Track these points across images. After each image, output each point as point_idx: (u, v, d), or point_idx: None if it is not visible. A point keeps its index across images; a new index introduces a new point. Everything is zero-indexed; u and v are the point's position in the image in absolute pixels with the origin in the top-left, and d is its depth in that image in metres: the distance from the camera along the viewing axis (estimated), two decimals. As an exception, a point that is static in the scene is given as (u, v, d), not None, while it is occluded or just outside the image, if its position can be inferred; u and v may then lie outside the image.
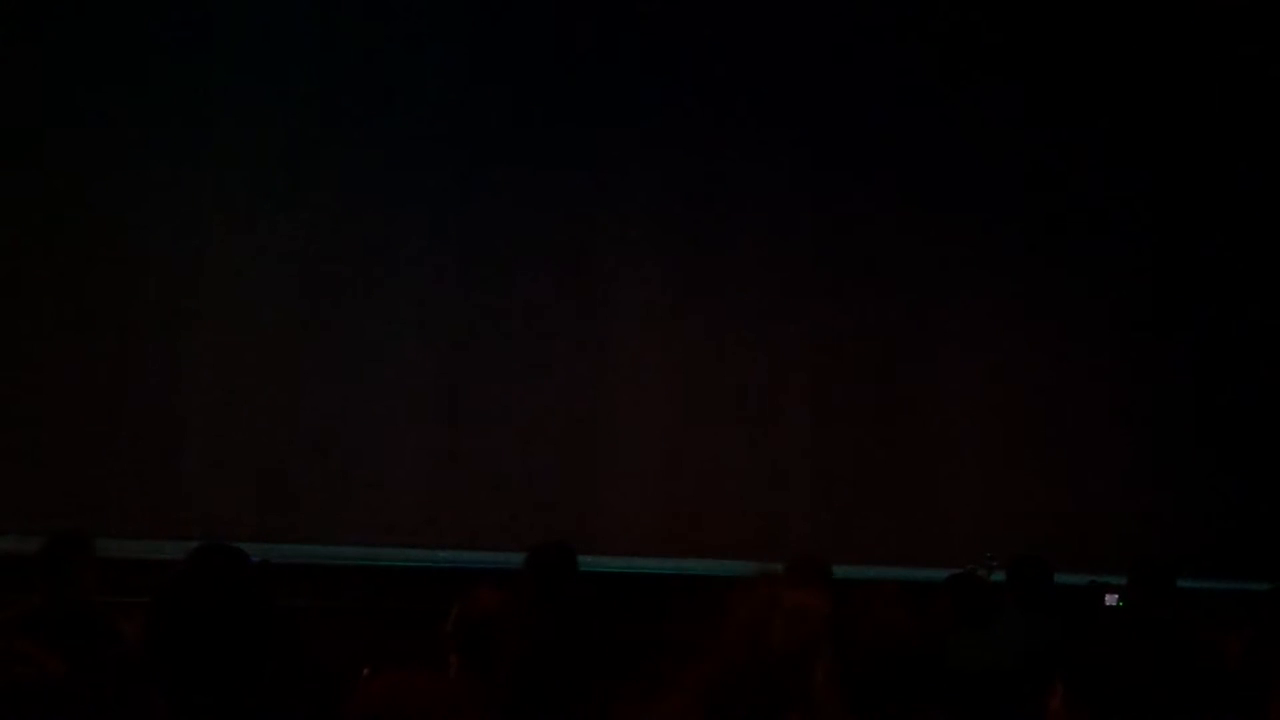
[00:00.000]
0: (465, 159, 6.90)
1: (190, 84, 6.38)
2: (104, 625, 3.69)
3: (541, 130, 7.03)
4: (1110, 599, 5.52)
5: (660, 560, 6.62)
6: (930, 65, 7.82)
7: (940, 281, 7.97)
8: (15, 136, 6.12)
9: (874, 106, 7.74)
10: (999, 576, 4.89)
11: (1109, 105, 8.21)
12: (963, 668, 3.66)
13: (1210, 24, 7.95)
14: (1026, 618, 4.50)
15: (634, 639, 3.85)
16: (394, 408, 6.67)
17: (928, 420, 7.79)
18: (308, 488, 6.37)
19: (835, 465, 7.49)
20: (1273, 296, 8.58)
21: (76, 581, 3.91)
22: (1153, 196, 8.40)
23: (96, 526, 4.50)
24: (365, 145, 6.73)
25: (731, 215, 7.40)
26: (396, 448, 6.63)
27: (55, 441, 5.97)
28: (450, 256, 6.87)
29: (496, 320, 6.86)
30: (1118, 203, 8.34)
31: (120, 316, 6.19)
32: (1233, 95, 8.30)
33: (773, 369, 7.45)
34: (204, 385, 6.29)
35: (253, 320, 6.40)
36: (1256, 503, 8.18)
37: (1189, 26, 8.02)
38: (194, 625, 2.43)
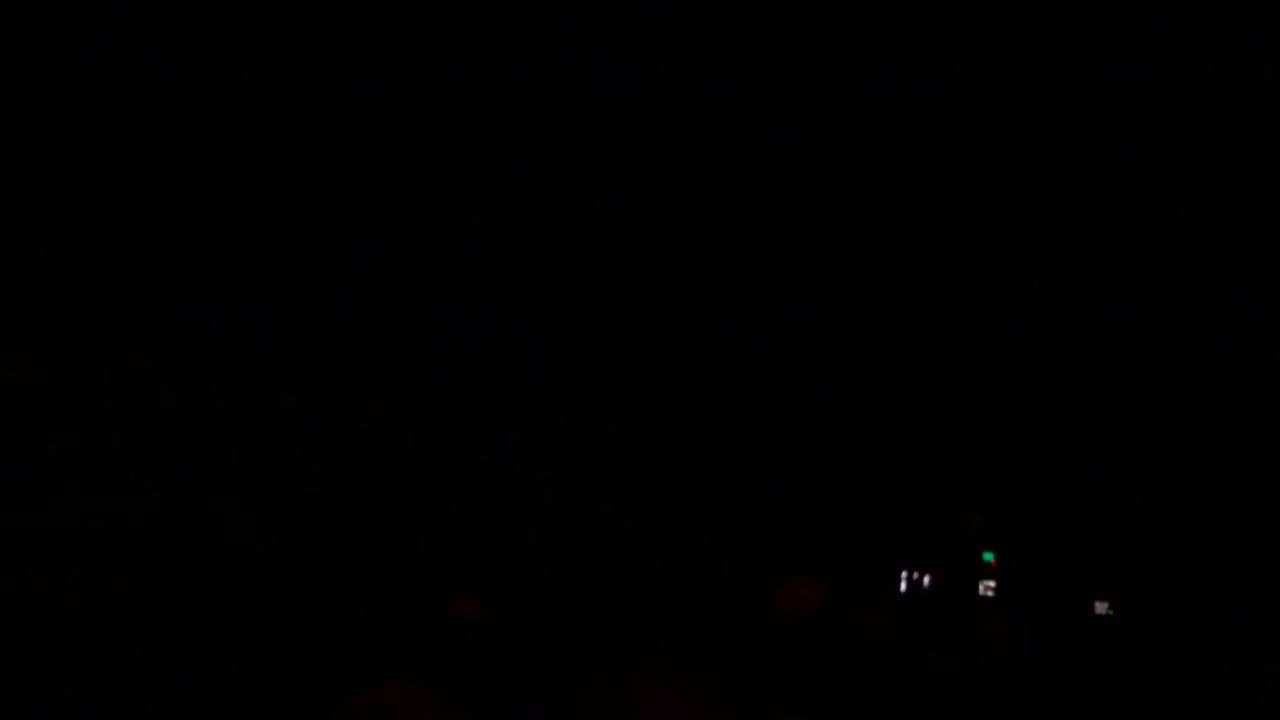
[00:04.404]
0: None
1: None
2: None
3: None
4: (1100, 607, 5.53)
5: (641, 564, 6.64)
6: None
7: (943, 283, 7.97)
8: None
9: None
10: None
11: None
12: (945, 676, 3.66)
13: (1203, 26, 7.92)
14: (1011, 627, 4.50)
15: (617, 637, 3.87)
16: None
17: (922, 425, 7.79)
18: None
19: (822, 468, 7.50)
20: (1270, 299, 8.56)
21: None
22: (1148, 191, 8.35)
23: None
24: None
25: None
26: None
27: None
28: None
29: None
30: (1118, 198, 8.30)
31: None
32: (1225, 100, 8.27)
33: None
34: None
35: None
36: (1247, 511, 8.16)
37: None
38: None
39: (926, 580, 5.38)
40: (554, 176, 6.99)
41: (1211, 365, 8.39)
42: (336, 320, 6.73)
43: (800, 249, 7.61)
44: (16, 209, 6.10)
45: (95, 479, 5.87)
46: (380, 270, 6.83)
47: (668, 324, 7.40)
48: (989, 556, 5.38)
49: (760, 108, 7.50)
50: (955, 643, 4.27)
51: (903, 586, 5.64)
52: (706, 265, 7.42)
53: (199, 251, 6.47)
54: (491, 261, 7.03)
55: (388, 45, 6.31)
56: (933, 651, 3.90)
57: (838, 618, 3.57)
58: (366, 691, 3.22)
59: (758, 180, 7.47)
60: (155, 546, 4.93)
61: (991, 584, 5.02)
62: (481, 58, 6.96)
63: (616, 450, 7.18)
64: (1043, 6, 7.36)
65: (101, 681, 3.52)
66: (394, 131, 6.71)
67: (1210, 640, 4.50)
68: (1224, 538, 8.01)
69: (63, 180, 6.15)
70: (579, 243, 7.17)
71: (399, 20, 6.28)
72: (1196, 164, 8.29)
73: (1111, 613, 5.38)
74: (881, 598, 5.21)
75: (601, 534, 6.76)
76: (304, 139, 6.59)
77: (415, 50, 6.37)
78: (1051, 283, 8.17)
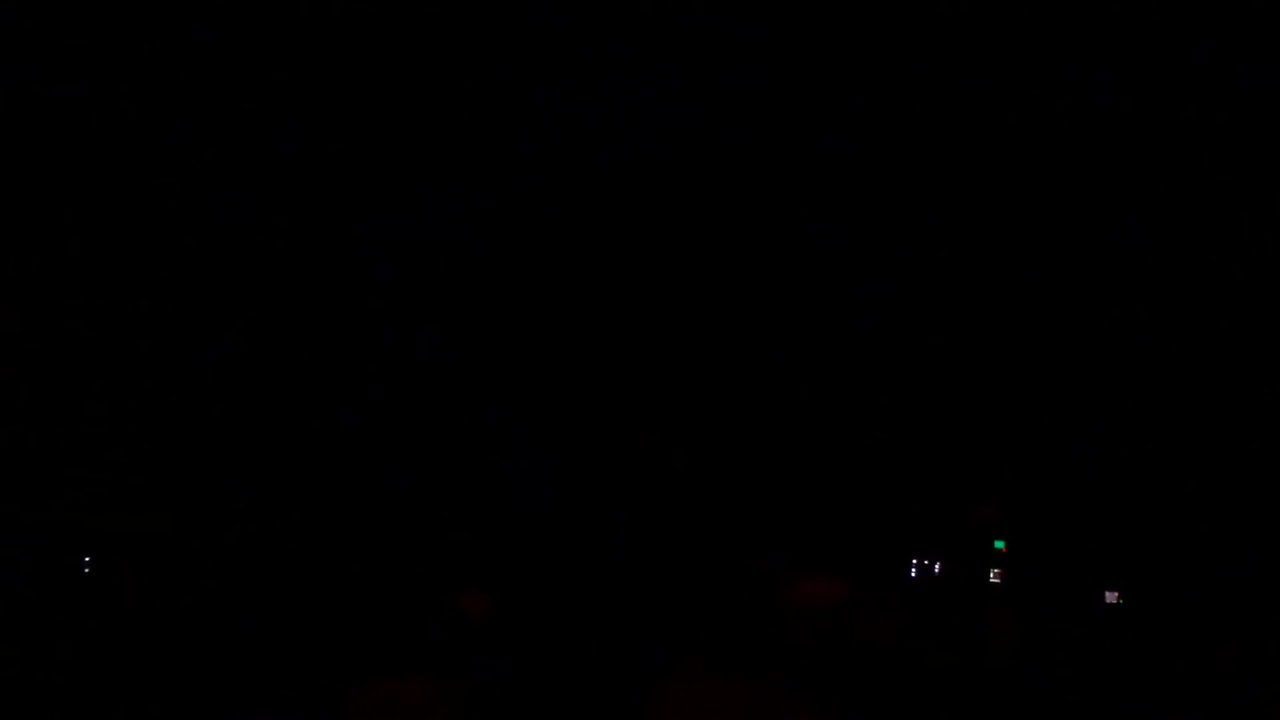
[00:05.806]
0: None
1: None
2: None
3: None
4: (1110, 596, 5.52)
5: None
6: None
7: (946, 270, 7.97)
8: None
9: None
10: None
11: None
12: (951, 668, 3.65)
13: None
14: (1018, 618, 4.49)
15: (627, 635, 3.85)
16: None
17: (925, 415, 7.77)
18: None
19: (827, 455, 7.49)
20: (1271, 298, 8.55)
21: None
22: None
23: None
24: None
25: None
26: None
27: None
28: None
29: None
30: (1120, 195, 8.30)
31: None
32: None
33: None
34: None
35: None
36: (1254, 505, 8.14)
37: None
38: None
39: (937, 568, 5.38)
40: (554, 176, 6.98)
41: (1220, 359, 8.38)
42: (337, 320, 6.73)
43: (801, 248, 7.60)
44: (14, 204, 6.11)
45: (96, 479, 5.86)
46: (381, 270, 6.82)
47: (669, 324, 7.38)
48: (1000, 545, 5.39)
49: (761, 108, 7.50)
50: (963, 641, 4.26)
51: (913, 573, 5.64)
52: (707, 265, 7.41)
53: (199, 250, 6.47)
54: (493, 261, 7.02)
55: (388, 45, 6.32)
56: (940, 651, 3.89)
57: (849, 616, 3.54)
58: (376, 687, 3.20)
59: (761, 180, 7.46)
60: (157, 545, 4.92)
61: (1001, 571, 5.03)
62: (482, 57, 6.96)
63: (622, 450, 7.17)
64: (1042, 6, 7.37)
65: (103, 680, 3.50)
66: (395, 131, 6.70)
67: (1216, 640, 4.48)
68: (1231, 532, 7.99)
69: (61, 178, 6.15)
70: (581, 243, 7.16)
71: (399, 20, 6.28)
72: (1197, 163, 8.29)
73: (1121, 602, 5.37)
74: (891, 591, 5.19)
75: (611, 532, 6.75)
76: (304, 139, 6.60)
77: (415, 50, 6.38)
78: (1060, 275, 8.17)
